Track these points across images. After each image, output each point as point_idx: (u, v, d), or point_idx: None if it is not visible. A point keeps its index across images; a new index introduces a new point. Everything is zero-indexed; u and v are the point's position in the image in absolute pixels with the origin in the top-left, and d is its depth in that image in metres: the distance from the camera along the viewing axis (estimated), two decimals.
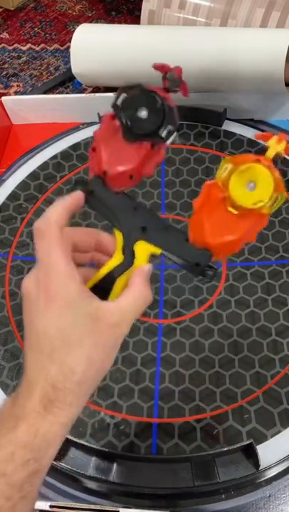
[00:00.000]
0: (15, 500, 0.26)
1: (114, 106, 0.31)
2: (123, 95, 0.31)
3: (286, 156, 0.63)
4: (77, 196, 0.32)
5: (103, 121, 0.33)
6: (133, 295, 0.30)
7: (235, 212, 0.30)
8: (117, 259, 0.32)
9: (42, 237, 0.29)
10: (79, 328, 0.27)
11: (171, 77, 0.31)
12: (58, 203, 0.30)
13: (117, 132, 0.32)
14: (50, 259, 0.28)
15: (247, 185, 0.30)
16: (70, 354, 0.27)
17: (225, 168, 0.30)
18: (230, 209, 0.30)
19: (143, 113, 0.31)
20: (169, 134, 0.31)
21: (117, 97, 0.31)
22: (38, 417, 0.26)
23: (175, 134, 0.32)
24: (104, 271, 0.32)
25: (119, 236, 0.33)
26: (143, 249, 0.32)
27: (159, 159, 0.33)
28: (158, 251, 0.32)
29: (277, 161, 0.63)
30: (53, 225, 0.29)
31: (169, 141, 0.32)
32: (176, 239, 0.32)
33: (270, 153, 0.30)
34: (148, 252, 0.32)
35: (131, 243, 0.32)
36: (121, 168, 0.32)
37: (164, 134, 0.31)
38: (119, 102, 0.31)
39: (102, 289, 0.31)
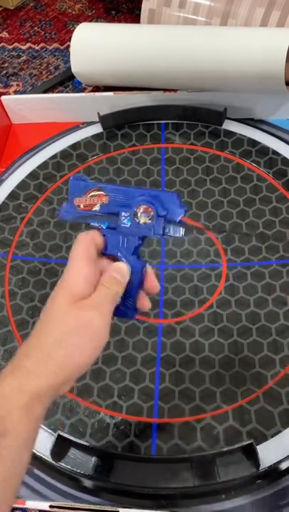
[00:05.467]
0: None
1: None
2: None
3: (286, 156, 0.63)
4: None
5: None
6: (101, 286, 0.33)
7: None
8: None
9: (76, 242, 0.34)
10: (59, 313, 0.31)
11: None
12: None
13: None
14: (73, 261, 0.33)
15: None
16: (47, 333, 0.30)
17: None
18: None
19: None
20: None
21: None
22: (3, 378, 0.29)
23: None
24: None
25: None
26: None
27: None
28: None
29: (277, 160, 0.63)
30: (88, 236, 0.34)
31: None
32: None
33: None
34: None
35: None
36: None
37: None
38: None
39: None
